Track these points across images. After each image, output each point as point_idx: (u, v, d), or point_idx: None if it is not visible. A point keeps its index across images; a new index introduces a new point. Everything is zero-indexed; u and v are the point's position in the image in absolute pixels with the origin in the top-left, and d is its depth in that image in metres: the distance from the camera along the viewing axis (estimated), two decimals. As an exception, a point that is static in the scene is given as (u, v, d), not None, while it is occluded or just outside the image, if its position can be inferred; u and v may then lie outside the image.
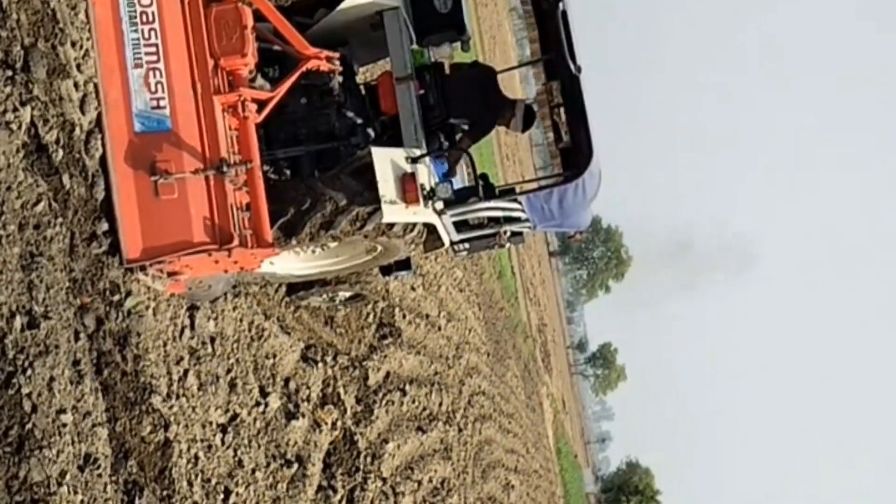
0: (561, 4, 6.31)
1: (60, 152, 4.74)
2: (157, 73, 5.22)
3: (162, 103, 5.21)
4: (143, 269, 5.13)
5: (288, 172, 6.44)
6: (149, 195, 5.10)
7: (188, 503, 5.39)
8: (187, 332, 5.77)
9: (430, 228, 6.56)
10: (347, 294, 8.01)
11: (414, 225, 6.35)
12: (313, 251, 6.80)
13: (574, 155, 6.71)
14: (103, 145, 5.03)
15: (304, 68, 6.03)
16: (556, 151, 7.12)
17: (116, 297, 5.05)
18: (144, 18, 5.21)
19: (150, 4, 5.24)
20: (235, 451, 6.12)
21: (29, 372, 4.21)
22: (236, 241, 5.31)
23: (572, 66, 6.30)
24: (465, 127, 6.98)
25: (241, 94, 5.50)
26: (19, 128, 4.45)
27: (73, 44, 4.97)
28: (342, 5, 6.31)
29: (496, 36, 53.75)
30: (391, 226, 6.08)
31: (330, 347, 8.50)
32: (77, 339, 4.65)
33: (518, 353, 31.25)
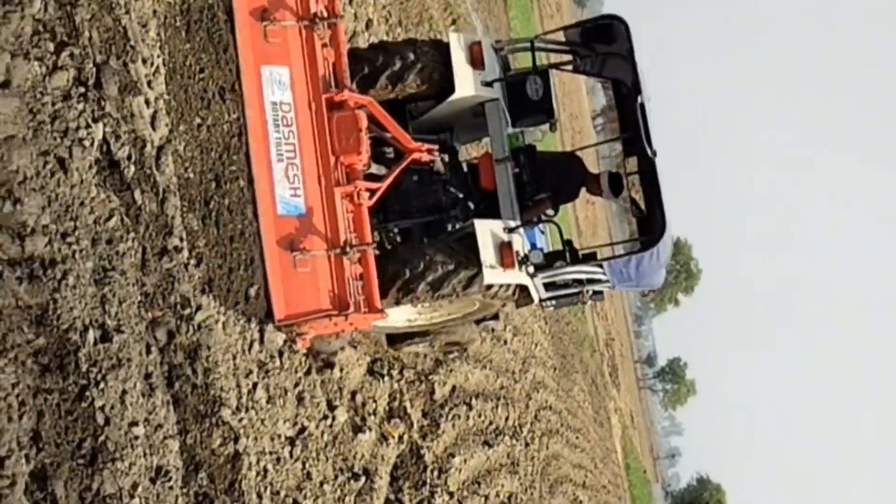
0: (639, 98, 6.96)
1: (132, 168, 4.82)
2: (294, 166, 6.21)
3: (298, 192, 6.19)
4: (279, 328, 5.94)
5: (399, 239, 7.48)
6: (289, 267, 6.00)
7: (257, 516, 5.42)
8: (256, 346, 5.81)
9: (522, 287, 7.26)
10: (445, 341, 8.58)
11: (510, 285, 7.05)
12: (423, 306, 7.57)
13: (649, 224, 7.36)
14: (257, 221, 5.93)
15: (407, 161, 7.00)
16: (632, 219, 7.90)
17: (187, 311, 5.11)
18: (284, 122, 6.22)
19: (289, 111, 6.25)
20: (304, 463, 6.14)
21: (102, 385, 4.27)
22: (352, 308, 6.14)
23: (649, 151, 7.00)
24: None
25: (356, 186, 6.42)
26: (92, 144, 4.53)
27: (144, 61, 5.06)
28: (451, 98, 7.08)
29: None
30: (489, 287, 6.76)
31: (396, 361, 8.50)
32: (148, 352, 4.70)
33: (585, 368, 30.98)
